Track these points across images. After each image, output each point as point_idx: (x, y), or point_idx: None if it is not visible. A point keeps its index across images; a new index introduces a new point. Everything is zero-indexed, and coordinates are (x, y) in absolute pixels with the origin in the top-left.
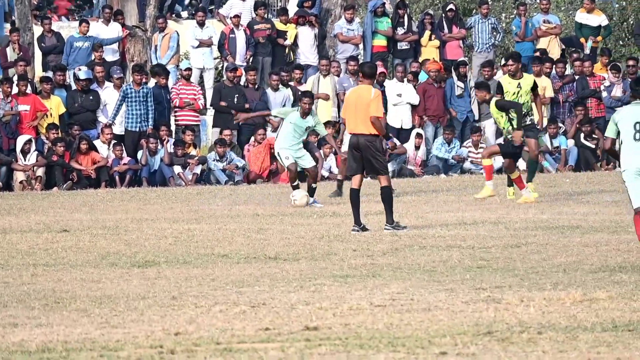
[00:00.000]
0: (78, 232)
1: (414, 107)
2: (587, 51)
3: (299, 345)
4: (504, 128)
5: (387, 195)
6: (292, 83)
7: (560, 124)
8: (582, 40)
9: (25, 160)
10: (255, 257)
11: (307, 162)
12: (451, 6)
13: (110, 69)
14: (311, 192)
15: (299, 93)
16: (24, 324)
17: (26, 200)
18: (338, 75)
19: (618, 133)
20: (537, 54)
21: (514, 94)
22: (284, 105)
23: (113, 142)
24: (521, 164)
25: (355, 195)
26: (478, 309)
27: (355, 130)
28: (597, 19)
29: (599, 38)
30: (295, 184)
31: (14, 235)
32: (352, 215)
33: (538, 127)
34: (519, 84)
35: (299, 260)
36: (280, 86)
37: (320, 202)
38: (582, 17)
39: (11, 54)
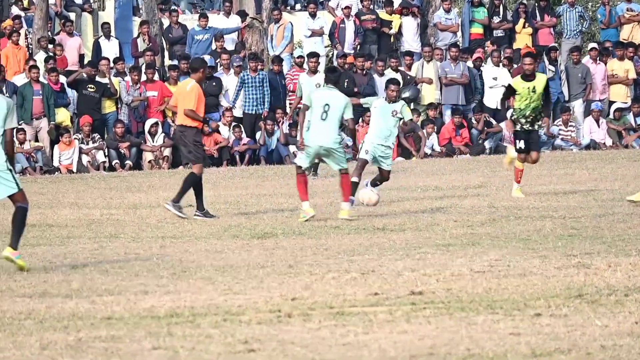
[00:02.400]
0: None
1: None
2: None
3: (406, 308)
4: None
5: (192, 182)
6: (402, 68)
7: None
8: None
9: (153, 141)
10: (365, 228)
11: (386, 165)
12: None
13: (231, 57)
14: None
15: (407, 78)
16: (154, 291)
17: (154, 178)
18: (440, 61)
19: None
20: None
21: (525, 98)
22: None
23: (233, 124)
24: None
25: (195, 182)
26: (569, 274)
27: (177, 122)
28: None
29: None
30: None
31: (143, 210)
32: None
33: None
34: (534, 87)
35: (405, 231)
36: (385, 71)
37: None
38: None
39: (141, 44)
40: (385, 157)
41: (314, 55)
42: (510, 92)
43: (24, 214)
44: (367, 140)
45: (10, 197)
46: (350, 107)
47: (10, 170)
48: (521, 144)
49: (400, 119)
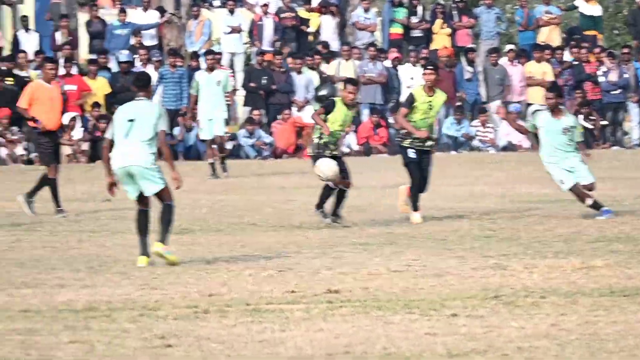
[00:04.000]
0: (119, 201)
1: None
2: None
3: (322, 306)
4: None
5: (45, 183)
6: (320, 67)
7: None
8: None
9: (71, 135)
10: (282, 226)
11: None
12: None
13: (150, 53)
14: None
15: (323, 76)
16: (71, 285)
17: (72, 172)
18: (359, 60)
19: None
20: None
21: (423, 112)
22: (307, 87)
23: None
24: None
25: (47, 183)
26: (486, 274)
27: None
28: (593, 9)
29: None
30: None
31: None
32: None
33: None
34: (430, 103)
35: (322, 229)
36: (303, 69)
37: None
38: (581, 6)
39: (60, 38)
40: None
41: (210, 52)
42: None
43: (171, 211)
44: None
45: (157, 195)
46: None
47: (157, 167)
48: None
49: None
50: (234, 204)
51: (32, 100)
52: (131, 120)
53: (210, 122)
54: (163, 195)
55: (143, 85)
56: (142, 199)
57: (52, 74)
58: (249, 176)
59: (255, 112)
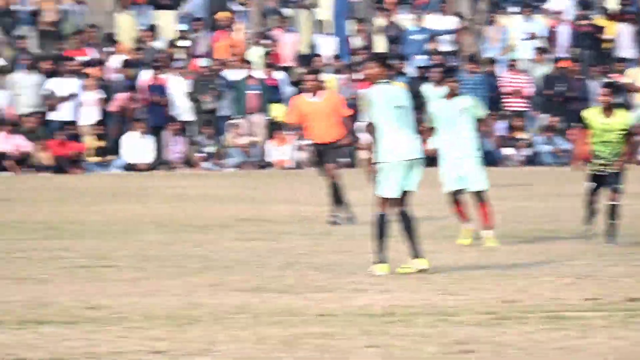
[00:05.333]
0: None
1: None
2: None
3: (622, 314)
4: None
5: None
6: (611, 74)
7: None
8: None
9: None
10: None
11: None
12: None
13: (446, 58)
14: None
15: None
16: (368, 289)
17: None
18: None
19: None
20: None
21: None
22: None
23: None
24: None
25: None
26: None
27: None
28: None
29: None
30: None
31: (357, 209)
32: None
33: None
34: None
35: (622, 237)
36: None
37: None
38: None
39: (356, 42)
40: None
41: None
42: None
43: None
44: None
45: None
46: None
47: None
48: None
49: None
50: (532, 212)
51: (300, 114)
52: (399, 107)
53: None
54: (409, 198)
55: (392, 67)
56: (395, 201)
57: (311, 86)
58: (547, 183)
59: (554, 118)
